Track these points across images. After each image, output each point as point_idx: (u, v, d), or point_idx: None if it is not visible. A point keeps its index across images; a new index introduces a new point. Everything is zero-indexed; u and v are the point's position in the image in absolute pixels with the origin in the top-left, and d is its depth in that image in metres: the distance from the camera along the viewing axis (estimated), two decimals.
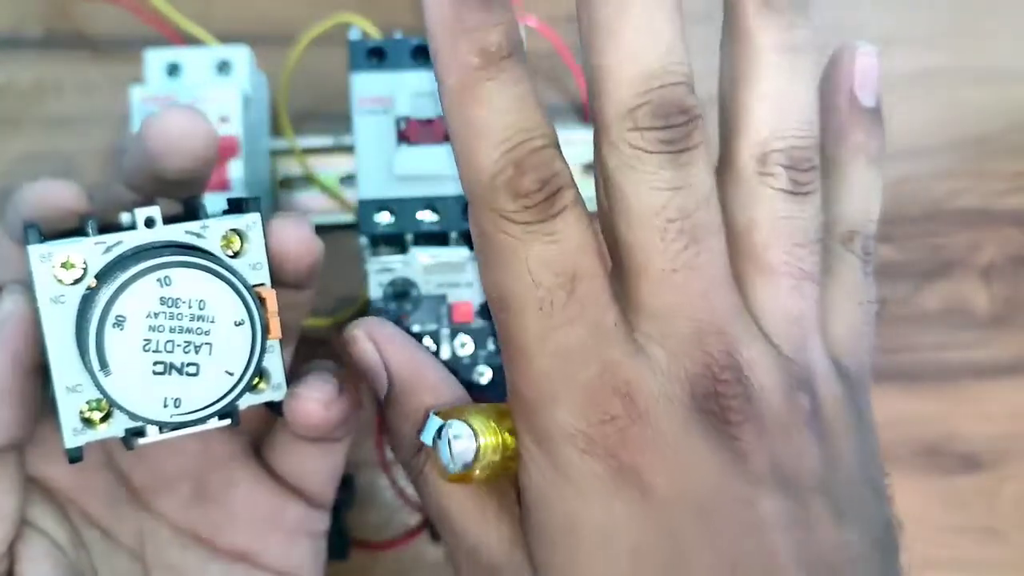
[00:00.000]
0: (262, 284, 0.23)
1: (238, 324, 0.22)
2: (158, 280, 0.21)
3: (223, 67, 0.33)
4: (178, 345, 0.21)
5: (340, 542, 0.34)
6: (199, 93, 0.32)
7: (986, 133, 0.39)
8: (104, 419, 0.22)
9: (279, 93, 0.35)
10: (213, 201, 0.31)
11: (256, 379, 0.23)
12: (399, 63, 0.31)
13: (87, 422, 0.22)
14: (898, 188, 0.39)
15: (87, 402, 0.22)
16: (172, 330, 0.21)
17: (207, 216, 0.23)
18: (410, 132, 0.31)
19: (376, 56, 0.31)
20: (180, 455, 0.27)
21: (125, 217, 0.22)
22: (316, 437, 0.25)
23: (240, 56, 0.33)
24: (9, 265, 0.25)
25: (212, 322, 0.22)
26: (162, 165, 0.23)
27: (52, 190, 0.23)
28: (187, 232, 0.22)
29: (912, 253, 0.39)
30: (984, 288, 0.39)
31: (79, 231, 0.22)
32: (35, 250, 0.21)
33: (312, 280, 0.25)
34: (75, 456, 0.22)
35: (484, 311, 0.32)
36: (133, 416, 0.21)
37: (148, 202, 0.23)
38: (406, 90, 0.31)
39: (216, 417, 0.22)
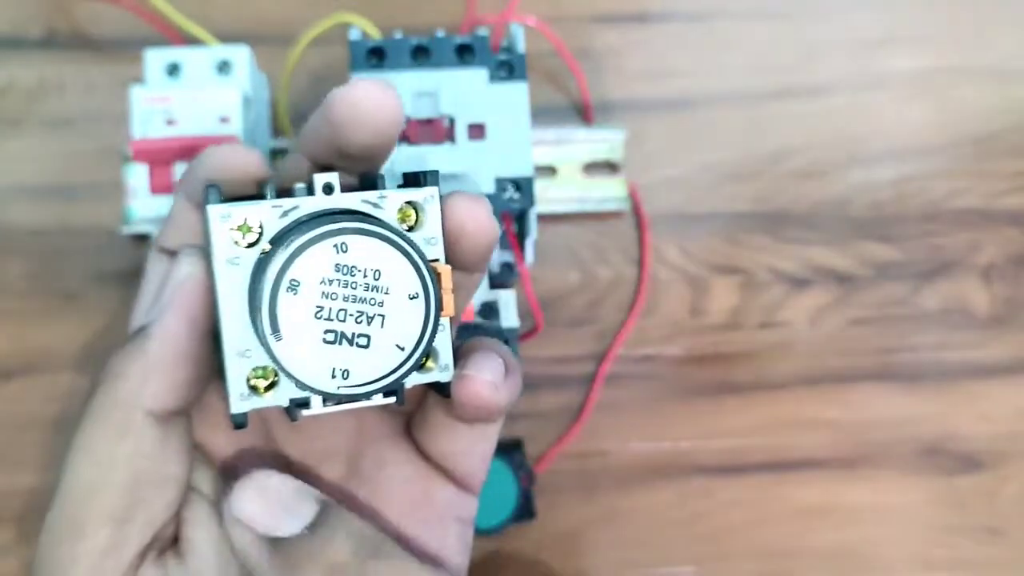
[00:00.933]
0: (436, 260, 0.22)
1: (412, 297, 0.21)
2: (335, 246, 0.20)
3: (223, 67, 0.33)
4: (350, 314, 0.21)
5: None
6: (199, 93, 0.32)
7: (986, 133, 0.39)
8: (269, 388, 0.22)
9: (279, 93, 0.35)
10: None
11: (424, 357, 0.22)
12: (399, 63, 0.31)
13: (253, 389, 0.22)
14: (898, 188, 0.39)
15: (254, 369, 0.21)
16: (345, 299, 0.21)
17: (385, 187, 0.22)
18: (410, 132, 0.31)
19: (376, 56, 0.31)
20: (335, 432, 0.27)
21: (299, 188, 0.22)
22: (479, 419, 0.24)
23: (240, 56, 0.33)
24: (186, 229, 0.25)
25: (386, 293, 0.21)
26: (346, 136, 0.22)
27: (234, 154, 0.23)
28: (364, 201, 0.22)
29: (912, 253, 0.39)
30: (984, 288, 0.39)
31: (257, 196, 0.22)
32: (214, 210, 0.21)
33: (484, 263, 0.24)
34: (240, 422, 0.22)
35: (484, 310, 0.32)
36: (300, 384, 0.21)
37: (327, 169, 0.23)
38: (406, 90, 0.31)
39: (381, 394, 0.22)
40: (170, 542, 0.24)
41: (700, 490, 0.37)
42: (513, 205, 0.31)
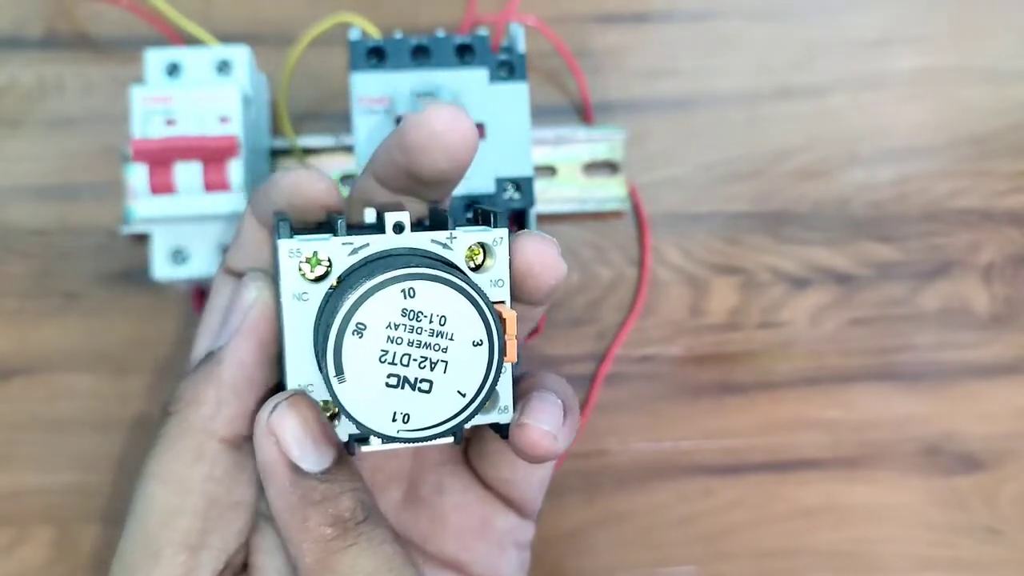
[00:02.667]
0: (502, 302, 0.22)
1: (476, 344, 0.21)
2: (403, 291, 0.20)
3: (223, 67, 0.33)
4: (414, 359, 0.21)
5: None
6: (199, 93, 0.32)
7: (986, 133, 0.39)
8: (330, 420, 0.22)
9: (279, 93, 0.35)
10: (213, 201, 0.31)
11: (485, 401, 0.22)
12: (399, 63, 0.31)
13: None
14: (898, 188, 0.39)
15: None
16: (410, 343, 0.21)
17: (455, 226, 0.22)
18: None
19: (376, 56, 0.31)
20: (395, 459, 0.27)
21: (368, 213, 0.22)
22: (537, 463, 0.24)
23: (240, 56, 0.33)
24: (253, 250, 0.25)
25: (451, 339, 0.21)
26: (420, 161, 0.22)
27: (307, 181, 0.23)
28: (433, 241, 0.22)
29: (912, 253, 0.39)
30: (984, 288, 0.39)
31: (326, 225, 0.22)
32: (285, 244, 0.21)
33: (548, 299, 0.24)
34: None
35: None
36: (360, 426, 0.21)
37: (397, 206, 0.23)
38: (406, 90, 0.31)
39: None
40: (240, 569, 0.24)
41: (700, 490, 0.37)
42: (513, 205, 0.31)
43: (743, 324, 0.38)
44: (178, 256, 0.33)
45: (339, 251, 0.21)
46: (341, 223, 0.21)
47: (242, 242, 0.25)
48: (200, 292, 0.36)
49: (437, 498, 0.27)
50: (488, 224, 0.22)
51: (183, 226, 0.33)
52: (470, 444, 0.27)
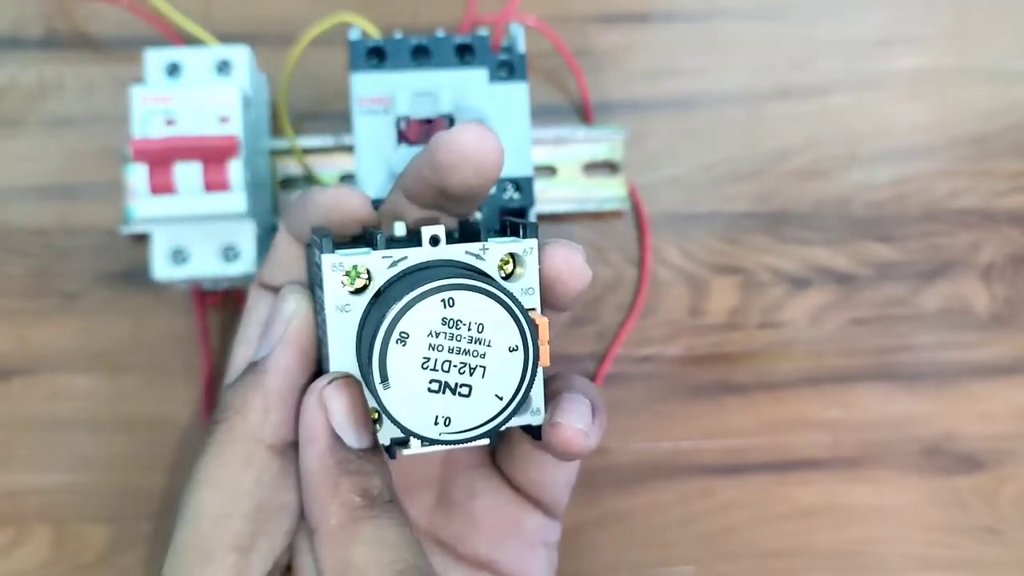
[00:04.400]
0: (533, 309, 0.23)
1: (512, 350, 0.22)
2: (443, 301, 0.21)
3: (223, 67, 0.33)
4: (454, 365, 0.22)
5: None
6: (199, 93, 0.32)
7: (986, 133, 0.39)
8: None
9: (279, 93, 0.35)
10: (213, 200, 0.31)
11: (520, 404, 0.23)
12: (399, 63, 0.31)
13: None
14: (898, 188, 0.39)
15: None
16: (451, 350, 0.22)
17: (487, 238, 0.23)
18: (410, 132, 0.31)
19: (376, 56, 0.31)
20: (427, 462, 0.28)
21: (399, 227, 0.23)
22: (569, 460, 0.25)
23: (240, 56, 0.33)
24: (288, 264, 0.26)
25: (488, 346, 0.22)
26: (450, 178, 0.23)
27: (344, 197, 0.24)
28: (467, 252, 0.23)
29: (912, 253, 0.39)
30: (984, 288, 0.39)
31: (361, 239, 0.23)
32: (328, 259, 0.22)
33: (575, 305, 0.25)
34: None
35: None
36: (404, 429, 0.22)
37: (431, 220, 0.24)
38: (406, 90, 0.31)
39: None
40: (285, 570, 0.25)
41: (700, 490, 0.37)
42: (513, 205, 0.31)
43: (743, 324, 0.38)
44: (178, 256, 0.33)
45: (379, 264, 0.22)
46: (381, 237, 0.22)
47: (277, 257, 0.26)
48: (200, 292, 0.36)
49: (469, 501, 0.28)
50: (517, 235, 0.23)
51: (183, 226, 0.33)
52: (498, 448, 0.28)
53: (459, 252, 0.23)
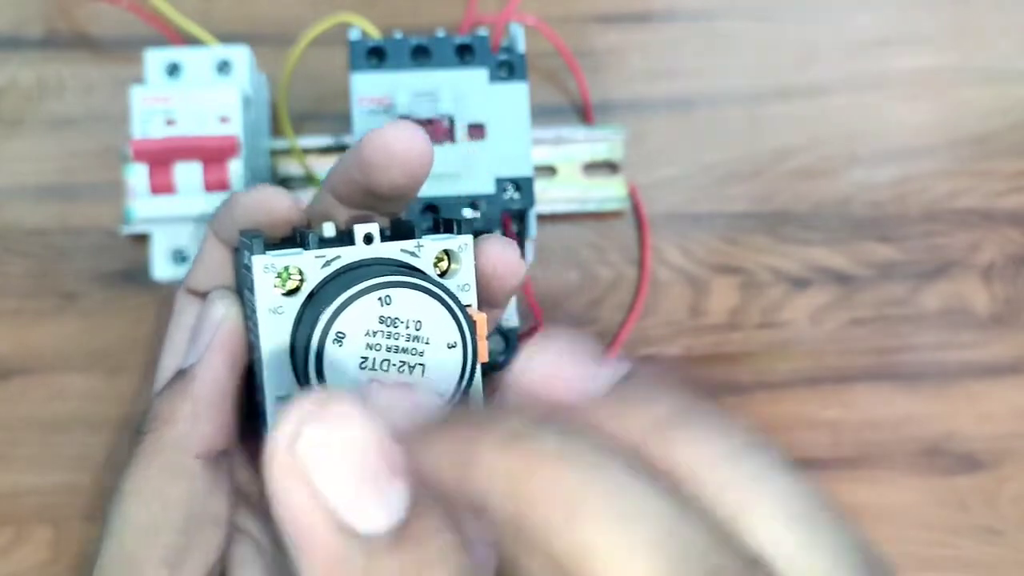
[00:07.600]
0: (470, 305, 0.23)
1: (451, 347, 0.22)
2: (379, 299, 0.21)
3: (223, 67, 0.33)
4: (393, 364, 0.21)
5: None
6: (199, 93, 0.32)
7: (986, 133, 0.39)
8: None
9: (279, 93, 0.35)
10: (213, 201, 0.31)
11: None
12: (399, 63, 0.31)
13: None
14: (898, 188, 0.39)
15: None
16: (389, 349, 0.21)
17: (421, 235, 0.23)
18: None
19: (376, 56, 0.31)
20: None
21: (328, 228, 0.23)
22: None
23: (240, 56, 0.33)
24: (215, 269, 0.25)
25: (427, 343, 0.22)
26: (377, 177, 0.23)
27: (270, 198, 0.23)
28: (402, 250, 0.22)
29: (912, 253, 0.39)
30: (984, 288, 0.39)
31: (291, 240, 0.22)
32: (259, 260, 0.21)
33: (508, 300, 0.25)
34: None
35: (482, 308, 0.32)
36: None
37: (363, 219, 0.23)
38: (406, 90, 0.31)
39: None
40: None
41: None
42: (513, 205, 0.31)
43: (743, 324, 0.38)
44: (178, 256, 0.33)
45: (312, 264, 0.22)
46: (313, 237, 0.22)
47: (203, 261, 0.25)
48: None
49: None
50: (450, 231, 0.23)
51: (183, 226, 0.33)
52: None
53: (394, 250, 0.22)
